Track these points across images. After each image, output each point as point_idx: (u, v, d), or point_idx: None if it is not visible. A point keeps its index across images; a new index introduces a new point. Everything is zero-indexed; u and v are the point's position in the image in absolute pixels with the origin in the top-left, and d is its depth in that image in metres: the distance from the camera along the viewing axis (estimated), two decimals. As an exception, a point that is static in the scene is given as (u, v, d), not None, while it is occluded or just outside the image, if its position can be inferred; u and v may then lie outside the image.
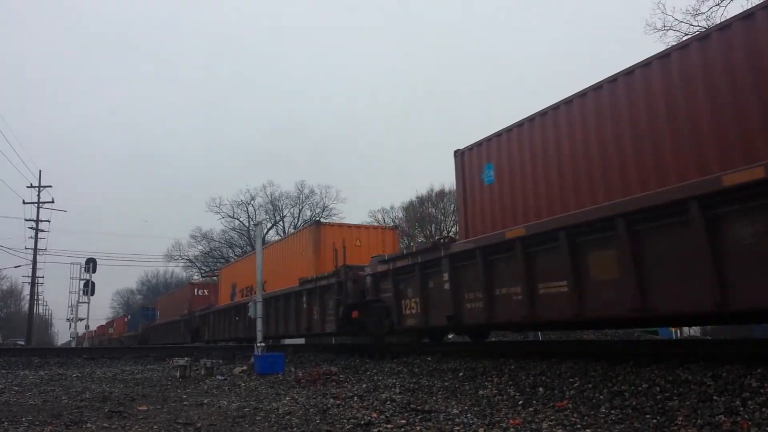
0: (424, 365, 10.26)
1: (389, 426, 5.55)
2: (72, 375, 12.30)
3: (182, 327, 30.81)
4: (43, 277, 49.34)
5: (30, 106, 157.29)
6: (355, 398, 7.35)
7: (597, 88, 9.00)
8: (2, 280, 76.99)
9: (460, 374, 8.91)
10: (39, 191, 40.71)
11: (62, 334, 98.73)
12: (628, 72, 8.48)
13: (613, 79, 8.72)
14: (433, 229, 52.01)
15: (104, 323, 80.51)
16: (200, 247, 61.18)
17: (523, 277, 8.43)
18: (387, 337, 13.25)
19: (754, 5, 7.26)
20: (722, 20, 8.62)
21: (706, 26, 21.75)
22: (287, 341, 19.83)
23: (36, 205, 40.93)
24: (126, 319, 56.75)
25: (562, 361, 8.20)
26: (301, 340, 20.58)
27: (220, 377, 11.15)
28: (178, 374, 11.28)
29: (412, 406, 6.58)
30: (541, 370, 7.94)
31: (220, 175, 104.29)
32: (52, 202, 41.59)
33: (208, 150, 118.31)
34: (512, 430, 5.31)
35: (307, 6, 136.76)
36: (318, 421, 5.89)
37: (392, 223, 49.98)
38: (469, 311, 9.74)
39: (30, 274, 42.14)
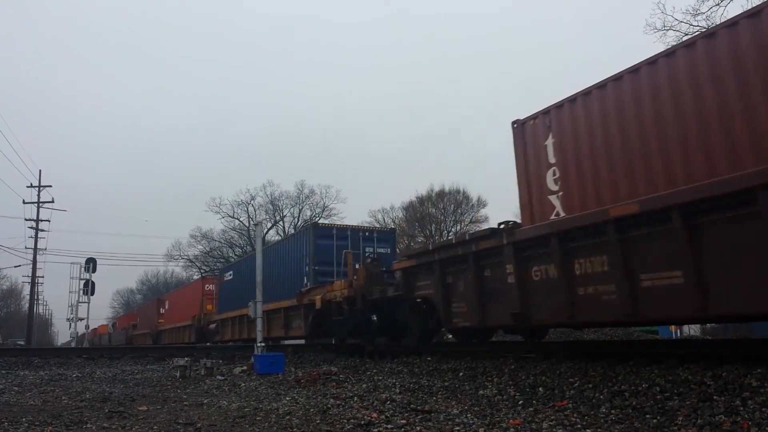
0: (424, 365, 10.27)
1: (389, 426, 5.55)
2: (72, 375, 12.30)
3: None
4: (43, 277, 49.09)
5: (30, 106, 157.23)
6: (355, 398, 7.35)
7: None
8: (2, 279, 77.00)
9: (460, 374, 8.91)
10: (39, 191, 40.70)
11: (62, 334, 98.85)
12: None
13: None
14: (433, 229, 52.05)
15: (132, 311, 61.69)
16: (200, 247, 61.14)
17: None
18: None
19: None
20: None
21: (706, 26, 21.76)
22: (287, 341, 19.92)
23: (36, 204, 40.91)
24: (211, 285, 28.42)
25: (562, 361, 8.20)
26: (301, 341, 20.65)
27: (220, 377, 11.15)
28: (178, 374, 11.29)
29: (412, 406, 6.59)
30: (541, 370, 7.95)
31: (220, 175, 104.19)
32: (52, 201, 41.57)
33: (208, 150, 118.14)
34: (512, 430, 5.31)
35: (308, 5, 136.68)
36: (318, 422, 5.89)
37: (392, 224, 50.05)
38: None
39: (30, 274, 42.14)
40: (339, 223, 19.82)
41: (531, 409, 6.29)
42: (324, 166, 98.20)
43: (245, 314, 20.24)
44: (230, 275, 25.20)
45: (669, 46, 8.58)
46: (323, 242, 17.42)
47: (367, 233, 18.04)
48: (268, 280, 18.79)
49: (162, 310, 37.78)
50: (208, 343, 25.21)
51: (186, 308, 31.03)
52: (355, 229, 18.24)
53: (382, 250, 17.40)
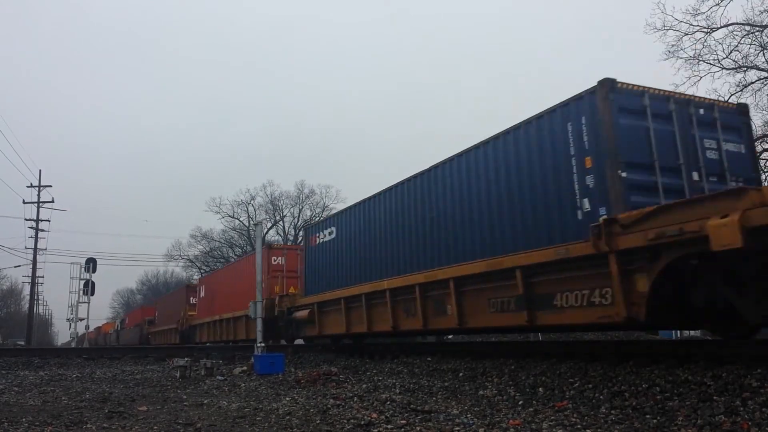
0: (424, 365, 10.26)
1: (389, 426, 5.55)
2: (72, 375, 12.30)
3: None
4: (43, 277, 48.93)
5: (30, 106, 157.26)
6: (355, 398, 7.35)
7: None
8: (2, 280, 76.82)
9: (460, 374, 8.92)
10: (39, 191, 40.64)
11: (62, 334, 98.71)
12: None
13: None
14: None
15: (145, 305, 51.57)
16: (200, 247, 61.07)
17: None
18: None
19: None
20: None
21: (706, 26, 21.75)
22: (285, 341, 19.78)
23: (36, 204, 40.88)
24: (280, 258, 20.78)
25: (562, 361, 8.20)
26: (301, 341, 20.48)
27: (220, 377, 11.15)
28: (178, 374, 11.29)
29: (412, 406, 6.58)
30: (541, 371, 7.95)
31: (220, 175, 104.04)
32: (52, 201, 41.48)
33: (208, 150, 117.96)
34: (512, 430, 5.31)
35: (308, 5, 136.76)
36: (318, 422, 5.89)
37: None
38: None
39: (30, 274, 42.11)
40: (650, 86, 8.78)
41: (531, 409, 6.29)
42: (324, 166, 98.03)
43: (380, 290, 12.69)
44: (330, 234, 16.01)
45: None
46: (631, 122, 8.49)
47: (701, 110, 9.07)
48: (453, 218, 10.97)
49: (193, 300, 29.58)
50: (297, 341, 18.96)
51: (237, 293, 22.20)
52: (682, 101, 9.04)
53: (731, 147, 9.07)
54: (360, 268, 14.06)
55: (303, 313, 16.38)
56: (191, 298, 30.14)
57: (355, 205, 14.87)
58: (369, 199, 14.10)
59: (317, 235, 16.77)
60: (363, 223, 14.31)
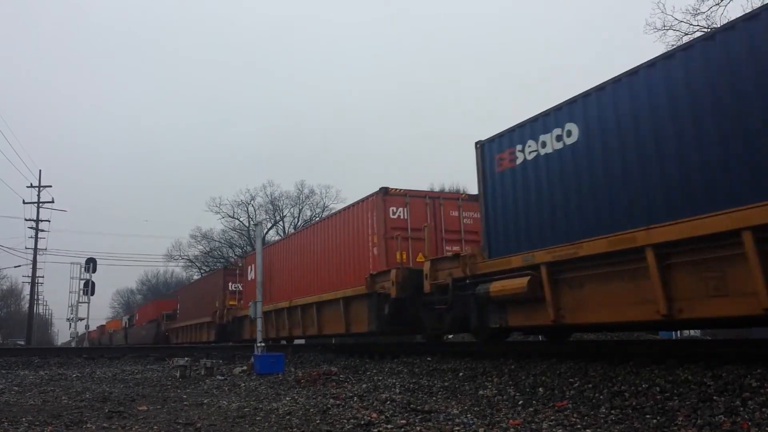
0: (424, 365, 10.26)
1: (389, 426, 5.55)
2: (72, 375, 12.31)
3: None
4: (43, 277, 48.88)
5: (30, 106, 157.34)
6: (355, 398, 7.35)
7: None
8: (2, 279, 76.81)
9: (460, 374, 8.91)
10: (39, 191, 40.64)
11: (62, 334, 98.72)
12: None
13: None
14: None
15: (160, 298, 46.62)
16: (200, 247, 61.05)
17: None
18: None
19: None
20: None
21: (706, 26, 21.76)
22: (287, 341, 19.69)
23: (36, 204, 40.88)
24: (400, 208, 13.27)
25: (562, 361, 8.20)
26: (301, 340, 20.39)
27: (220, 377, 11.16)
28: (178, 374, 11.29)
29: (412, 406, 6.58)
30: (541, 370, 7.95)
31: (220, 175, 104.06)
32: (52, 201, 41.48)
33: (208, 150, 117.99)
34: (512, 430, 5.31)
35: (308, 5, 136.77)
36: (318, 421, 5.89)
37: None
38: None
39: (30, 274, 42.11)
40: None
41: (531, 409, 6.29)
42: (324, 166, 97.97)
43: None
44: (558, 140, 8.66)
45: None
46: None
47: None
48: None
49: (233, 286, 24.25)
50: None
51: (324, 266, 15.93)
52: None
53: None
54: (677, 188, 6.96)
55: (515, 284, 8.90)
56: (230, 284, 24.39)
57: (634, 70, 7.58)
58: (688, 46, 7.16)
59: (515, 148, 9.53)
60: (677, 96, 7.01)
